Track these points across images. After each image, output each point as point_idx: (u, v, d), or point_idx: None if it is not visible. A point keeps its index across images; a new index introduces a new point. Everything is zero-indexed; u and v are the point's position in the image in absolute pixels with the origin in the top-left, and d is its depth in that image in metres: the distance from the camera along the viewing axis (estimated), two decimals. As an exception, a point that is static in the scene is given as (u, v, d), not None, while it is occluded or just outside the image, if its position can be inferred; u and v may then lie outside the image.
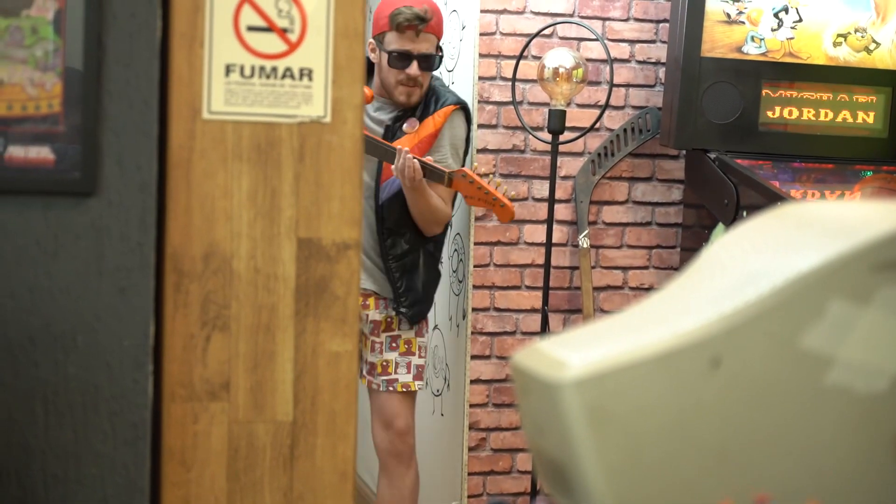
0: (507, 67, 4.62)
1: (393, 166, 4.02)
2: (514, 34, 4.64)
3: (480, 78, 4.59)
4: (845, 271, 1.16)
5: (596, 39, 4.63)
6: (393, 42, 4.06)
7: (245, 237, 2.12)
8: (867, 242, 1.17)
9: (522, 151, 4.66)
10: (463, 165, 4.25)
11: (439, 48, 4.13)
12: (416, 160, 3.97)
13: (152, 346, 2.09)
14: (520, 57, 4.58)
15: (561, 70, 4.42)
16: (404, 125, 4.17)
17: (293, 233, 2.12)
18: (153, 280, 2.09)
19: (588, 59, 4.60)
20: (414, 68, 4.05)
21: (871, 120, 4.59)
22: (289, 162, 2.13)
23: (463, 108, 4.25)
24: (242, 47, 2.12)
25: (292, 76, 2.12)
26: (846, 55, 4.52)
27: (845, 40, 4.53)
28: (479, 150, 4.58)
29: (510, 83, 4.59)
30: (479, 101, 4.57)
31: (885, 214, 1.29)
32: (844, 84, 4.55)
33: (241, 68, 2.13)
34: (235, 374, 2.12)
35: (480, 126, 4.59)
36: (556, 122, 4.41)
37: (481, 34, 4.58)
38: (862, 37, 4.54)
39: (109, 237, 2.06)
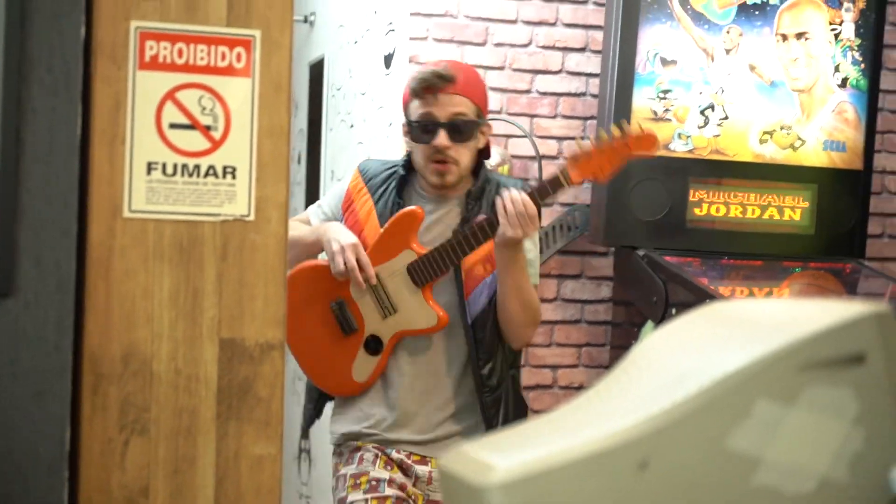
0: (435, 164, 4.64)
1: (500, 220, 3.09)
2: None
3: (407, 175, 4.61)
4: (771, 371, 1.18)
5: (524, 136, 4.69)
6: (414, 111, 3.26)
7: (166, 338, 2.10)
8: (793, 342, 1.19)
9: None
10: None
11: (479, 115, 3.28)
12: (522, 195, 3.11)
13: (68, 451, 2.06)
14: (447, 154, 4.61)
15: (488, 166, 4.46)
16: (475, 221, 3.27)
17: (215, 333, 2.11)
18: (70, 383, 2.07)
19: (515, 156, 4.65)
20: (442, 138, 3.20)
21: (797, 217, 4.67)
22: (211, 261, 2.12)
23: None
24: (165, 145, 2.12)
25: (215, 174, 2.13)
26: (772, 152, 4.61)
27: (771, 137, 4.62)
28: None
29: (437, 180, 4.62)
30: (406, 198, 4.59)
31: (811, 313, 1.31)
32: (771, 181, 4.64)
33: (164, 166, 2.13)
34: (155, 480, 2.09)
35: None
36: (484, 219, 4.44)
37: (408, 131, 4.61)
38: (787, 134, 4.64)
39: (25, 339, 2.04)
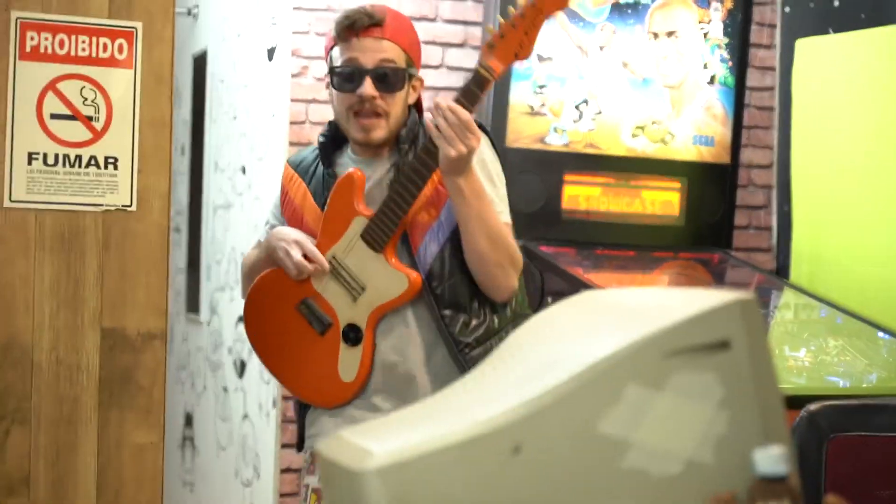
0: (317, 156, 4.63)
1: (432, 133, 2.65)
2: (324, 123, 4.65)
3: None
4: (640, 358, 1.20)
5: (404, 129, 4.68)
6: (338, 56, 2.81)
7: (47, 328, 2.06)
8: (660, 330, 1.21)
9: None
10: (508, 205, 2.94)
11: (410, 65, 2.84)
12: (448, 102, 2.66)
13: (-53, 441, 2.02)
14: (329, 146, 4.59)
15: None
16: None
17: (97, 323, 2.08)
18: (-51, 372, 2.02)
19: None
20: (367, 86, 2.76)
21: (668, 209, 4.74)
22: (93, 251, 2.09)
23: (483, 130, 2.81)
24: (46, 135, 2.08)
25: (97, 164, 2.09)
26: (644, 146, 4.67)
27: (643, 132, 4.68)
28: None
29: (320, 171, 4.60)
30: (288, 189, 4.56)
31: (678, 301, 1.33)
32: (643, 174, 4.69)
33: (45, 156, 2.09)
34: (36, 469, 2.06)
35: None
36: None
37: (291, 123, 4.59)
38: (658, 128, 4.70)
39: None
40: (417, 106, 2.92)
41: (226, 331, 5.18)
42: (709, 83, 4.80)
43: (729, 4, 4.81)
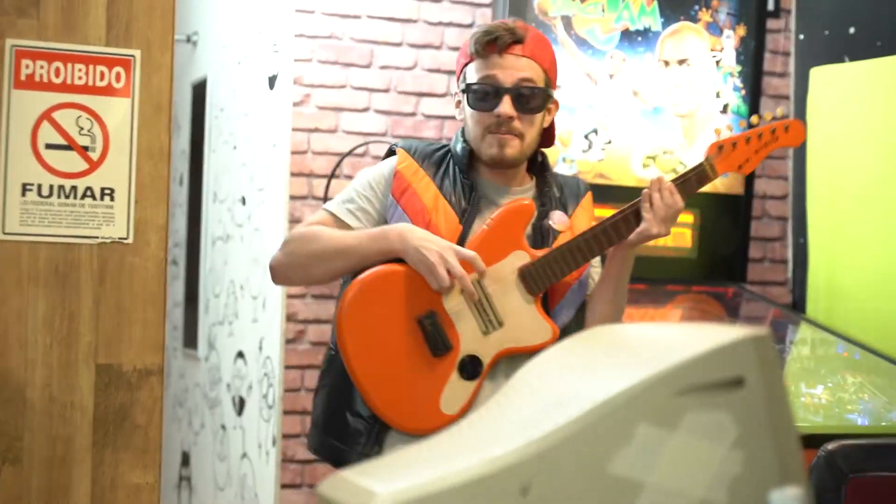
0: (319, 186, 4.63)
1: (646, 215, 2.68)
2: (326, 153, 4.67)
3: (291, 197, 4.59)
4: (652, 396, 1.19)
5: (408, 159, 4.69)
6: (474, 73, 2.75)
7: (40, 364, 2.06)
8: (672, 367, 1.20)
9: (334, 272, 4.66)
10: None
11: (548, 86, 2.77)
12: (670, 183, 2.73)
13: (-63, 480, 2.01)
14: (331, 176, 4.61)
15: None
16: (551, 221, 2.81)
17: (92, 359, 2.08)
18: (-60, 410, 2.02)
19: (401, 179, 4.65)
20: (506, 105, 2.69)
21: (680, 241, 4.74)
22: (88, 285, 2.09)
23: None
24: (41, 166, 2.09)
25: (93, 196, 2.10)
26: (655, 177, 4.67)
27: (654, 162, 4.69)
28: (289, 271, 4.55)
29: (322, 202, 4.60)
30: (289, 222, 4.57)
31: (691, 337, 1.33)
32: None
33: (39, 187, 2.09)
34: (28, 510, 2.05)
35: (291, 246, 4.57)
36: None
37: (292, 153, 4.60)
38: (670, 158, 4.71)
39: None
40: (549, 132, 2.86)
41: (224, 367, 5.18)
42: (721, 112, 4.81)
43: (742, 32, 4.83)
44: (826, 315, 4.71)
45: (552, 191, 2.82)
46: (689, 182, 2.74)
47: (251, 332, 4.84)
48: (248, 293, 4.89)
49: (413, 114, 4.78)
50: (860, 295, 4.55)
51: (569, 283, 2.75)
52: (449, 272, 2.59)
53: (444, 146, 2.83)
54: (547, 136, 2.85)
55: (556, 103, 2.82)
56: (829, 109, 4.82)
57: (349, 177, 4.62)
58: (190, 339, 5.79)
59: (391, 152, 2.83)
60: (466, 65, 2.76)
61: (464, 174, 2.75)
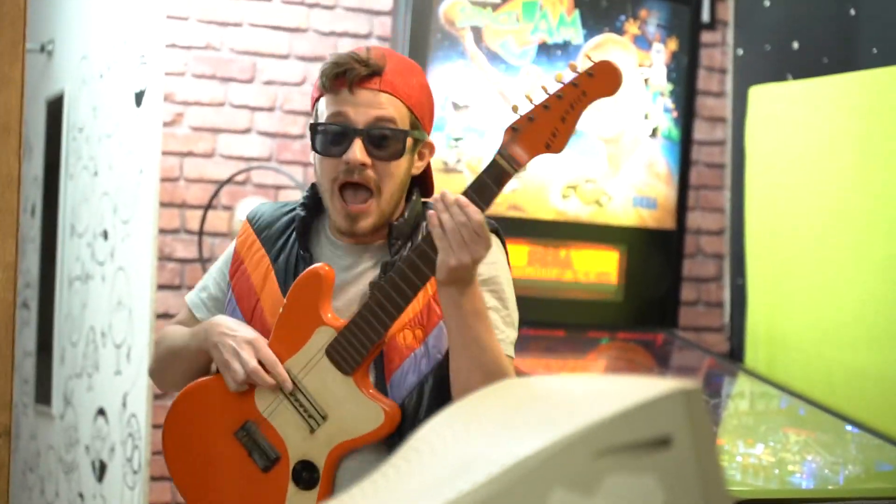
0: (193, 219, 4.61)
1: (432, 229, 2.40)
2: (202, 180, 4.65)
3: (161, 231, 4.57)
4: (568, 458, 1.20)
5: (296, 188, 4.69)
6: (322, 112, 2.61)
7: None
8: (591, 425, 1.21)
9: (210, 317, 4.64)
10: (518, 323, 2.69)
11: (416, 126, 2.61)
12: (457, 196, 2.41)
13: None
14: (208, 207, 4.59)
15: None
16: None
17: (-74, 418, 2.06)
18: None
19: (287, 211, 4.65)
20: (356, 150, 2.54)
21: (604, 281, 4.78)
22: (-77, 332, 2.07)
23: (493, 229, 2.60)
24: None
25: (-71, 229, 2.08)
26: (576, 209, 4.71)
27: (575, 192, 4.73)
28: (158, 316, 4.52)
29: (196, 237, 4.59)
30: (159, 259, 4.54)
31: (612, 391, 1.34)
32: (574, 241, 4.73)
33: None
34: None
35: (160, 287, 4.55)
36: (250, 283, 4.42)
37: (162, 180, 4.57)
38: (593, 188, 4.75)
39: None
40: (425, 182, 2.73)
41: (82, 426, 5.12)
42: (651, 136, 4.87)
43: (673, 46, 4.89)
44: (767, 365, 4.78)
45: (408, 228, 2.61)
46: (485, 186, 2.42)
47: (114, 385, 4.79)
48: (110, 341, 4.84)
49: (301, 136, 4.79)
50: (805, 343, 4.62)
51: (408, 346, 2.56)
52: (245, 367, 2.51)
53: (293, 209, 2.73)
54: (423, 186, 2.71)
55: (431, 147, 2.68)
56: (770, 133, 4.90)
57: (227, 207, 4.61)
58: (43, 394, 5.72)
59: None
60: (317, 100, 2.64)
61: (302, 246, 2.65)
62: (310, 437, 2.52)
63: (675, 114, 4.90)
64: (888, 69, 4.32)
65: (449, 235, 2.35)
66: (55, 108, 5.69)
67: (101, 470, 4.89)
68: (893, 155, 4.28)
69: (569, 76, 2.44)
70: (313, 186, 2.68)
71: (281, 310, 2.57)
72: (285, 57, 4.77)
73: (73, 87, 5.50)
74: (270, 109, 4.75)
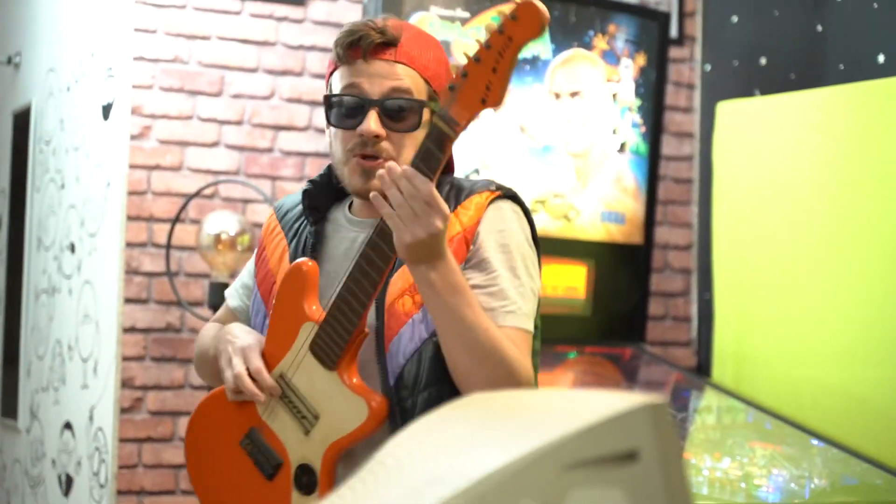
0: (161, 232, 4.60)
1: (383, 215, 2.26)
2: (169, 194, 4.64)
3: (128, 244, 4.55)
4: (534, 472, 1.20)
5: (265, 202, 4.69)
6: (338, 83, 2.50)
7: None
8: (558, 439, 1.22)
9: (178, 331, 4.63)
10: (538, 286, 2.66)
11: (431, 98, 2.50)
12: (404, 167, 2.25)
13: None
14: (175, 220, 4.58)
15: (224, 237, 4.44)
16: None
17: None
18: None
19: (256, 225, 4.65)
20: (371, 122, 2.44)
21: (572, 296, 4.78)
22: None
23: (509, 195, 2.53)
24: None
25: None
26: (544, 223, 4.71)
27: (543, 207, 4.73)
28: (125, 330, 4.51)
29: (164, 251, 4.57)
30: (126, 272, 4.53)
31: (579, 406, 1.35)
32: (542, 255, 4.72)
33: None
34: None
35: (127, 301, 4.53)
36: (218, 297, 4.41)
37: (130, 193, 4.56)
38: (561, 203, 4.75)
39: None
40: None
41: (49, 440, 5.10)
42: (619, 151, 4.88)
43: (641, 61, 4.91)
44: (734, 380, 4.79)
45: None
46: (429, 152, 2.26)
47: (80, 399, 4.78)
48: (77, 355, 4.82)
49: (269, 149, 4.78)
50: (771, 359, 4.63)
51: (406, 312, 2.42)
52: (237, 373, 2.45)
53: None
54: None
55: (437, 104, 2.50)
56: (737, 148, 4.91)
57: (195, 221, 4.60)
58: (9, 407, 5.70)
59: None
60: (332, 73, 2.52)
61: (312, 221, 2.58)
62: (306, 439, 2.43)
63: (643, 129, 4.91)
64: (855, 85, 4.34)
65: (398, 210, 2.22)
66: (22, 121, 5.68)
67: (67, 484, 4.86)
68: (860, 170, 4.29)
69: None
70: (329, 167, 2.60)
71: (271, 311, 2.53)
72: (253, 70, 4.77)
73: (40, 99, 5.48)
74: (238, 123, 4.74)
